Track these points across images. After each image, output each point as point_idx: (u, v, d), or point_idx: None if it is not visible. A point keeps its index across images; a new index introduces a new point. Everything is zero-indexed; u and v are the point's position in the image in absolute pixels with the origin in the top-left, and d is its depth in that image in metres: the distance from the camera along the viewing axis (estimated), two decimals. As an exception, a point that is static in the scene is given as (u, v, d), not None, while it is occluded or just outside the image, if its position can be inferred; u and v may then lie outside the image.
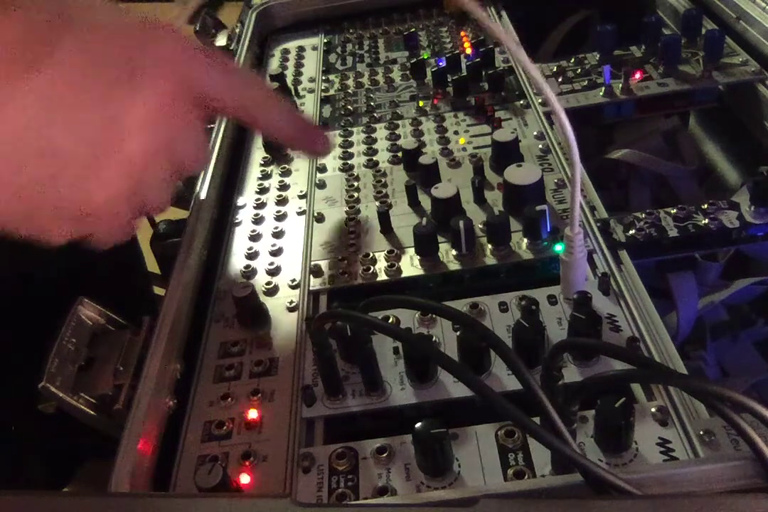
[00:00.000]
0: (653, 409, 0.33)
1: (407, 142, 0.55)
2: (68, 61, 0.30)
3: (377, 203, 0.51)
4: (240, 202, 0.54)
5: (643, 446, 0.32)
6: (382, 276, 0.44)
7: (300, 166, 0.57)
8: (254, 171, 0.57)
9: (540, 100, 0.58)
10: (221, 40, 0.73)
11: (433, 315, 0.40)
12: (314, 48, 0.74)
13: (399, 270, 0.44)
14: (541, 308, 0.40)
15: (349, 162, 0.56)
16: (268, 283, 0.45)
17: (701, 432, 0.32)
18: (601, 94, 0.58)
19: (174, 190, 0.40)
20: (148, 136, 0.34)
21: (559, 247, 0.43)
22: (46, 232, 0.32)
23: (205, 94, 0.40)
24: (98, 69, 0.32)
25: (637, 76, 0.59)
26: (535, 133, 0.55)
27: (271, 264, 0.47)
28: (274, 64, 0.73)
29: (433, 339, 0.39)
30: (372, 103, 0.63)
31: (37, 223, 0.32)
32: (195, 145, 0.40)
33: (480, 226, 0.46)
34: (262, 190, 0.55)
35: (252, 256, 0.48)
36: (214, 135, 0.57)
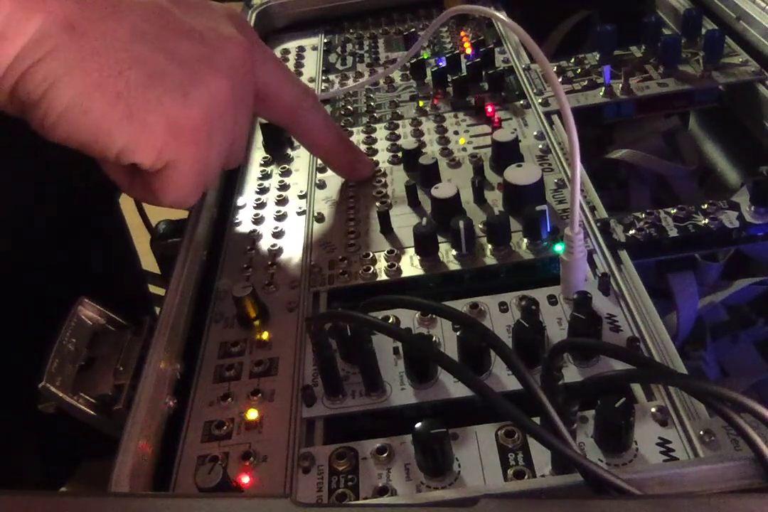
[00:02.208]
0: (653, 409, 0.33)
1: (407, 142, 0.55)
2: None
3: (377, 203, 0.51)
4: (240, 202, 0.54)
5: (643, 446, 0.32)
6: (382, 276, 0.44)
7: (300, 166, 0.57)
8: (254, 171, 0.57)
9: (540, 100, 0.58)
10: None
11: (433, 315, 0.40)
12: (314, 48, 0.74)
13: (399, 271, 0.44)
14: (541, 308, 0.40)
15: (349, 162, 0.56)
16: (268, 283, 0.45)
17: (701, 432, 0.32)
18: (601, 94, 0.58)
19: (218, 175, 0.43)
20: (227, 89, 0.38)
21: (559, 247, 0.43)
22: (142, 136, 0.35)
23: (267, 88, 0.43)
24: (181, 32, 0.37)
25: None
26: (535, 133, 0.55)
27: (271, 264, 0.47)
28: (274, 64, 0.73)
29: (433, 339, 0.39)
30: (372, 103, 0.63)
31: (135, 124, 0.35)
32: (242, 136, 0.43)
33: (480, 226, 0.46)
34: (262, 190, 0.55)
35: (252, 255, 0.48)
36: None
